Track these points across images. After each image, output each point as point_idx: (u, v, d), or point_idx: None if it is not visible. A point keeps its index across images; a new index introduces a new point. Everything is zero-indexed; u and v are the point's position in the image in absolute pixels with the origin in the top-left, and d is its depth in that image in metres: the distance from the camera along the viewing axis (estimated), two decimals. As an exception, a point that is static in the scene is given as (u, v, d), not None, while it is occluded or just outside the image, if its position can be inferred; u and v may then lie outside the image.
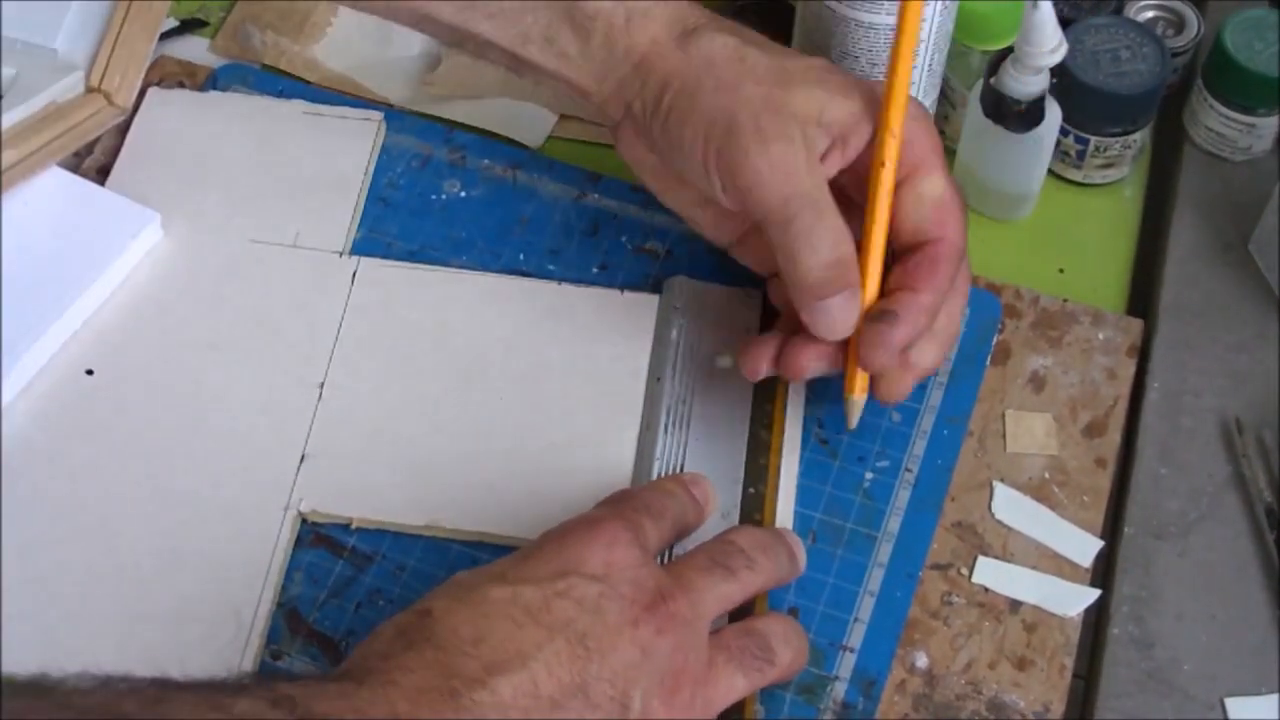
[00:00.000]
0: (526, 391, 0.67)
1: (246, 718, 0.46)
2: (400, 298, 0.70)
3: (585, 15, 0.63)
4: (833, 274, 0.59)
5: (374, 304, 0.70)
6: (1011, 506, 0.65)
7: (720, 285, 0.70)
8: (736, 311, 0.69)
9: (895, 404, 0.64)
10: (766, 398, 0.66)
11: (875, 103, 0.61)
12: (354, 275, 0.71)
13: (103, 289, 0.70)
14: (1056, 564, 0.64)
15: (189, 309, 0.70)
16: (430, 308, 0.70)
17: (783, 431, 0.65)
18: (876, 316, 0.60)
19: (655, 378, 0.67)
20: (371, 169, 0.75)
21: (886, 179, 0.61)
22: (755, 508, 0.64)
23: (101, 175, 0.75)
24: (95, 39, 0.76)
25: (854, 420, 0.63)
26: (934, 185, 0.61)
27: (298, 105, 0.77)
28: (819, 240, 0.59)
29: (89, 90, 0.76)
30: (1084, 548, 0.64)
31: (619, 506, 0.57)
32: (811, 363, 0.61)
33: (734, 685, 0.55)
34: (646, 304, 0.70)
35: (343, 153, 0.75)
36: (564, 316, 0.69)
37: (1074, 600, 0.63)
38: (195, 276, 0.71)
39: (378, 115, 0.76)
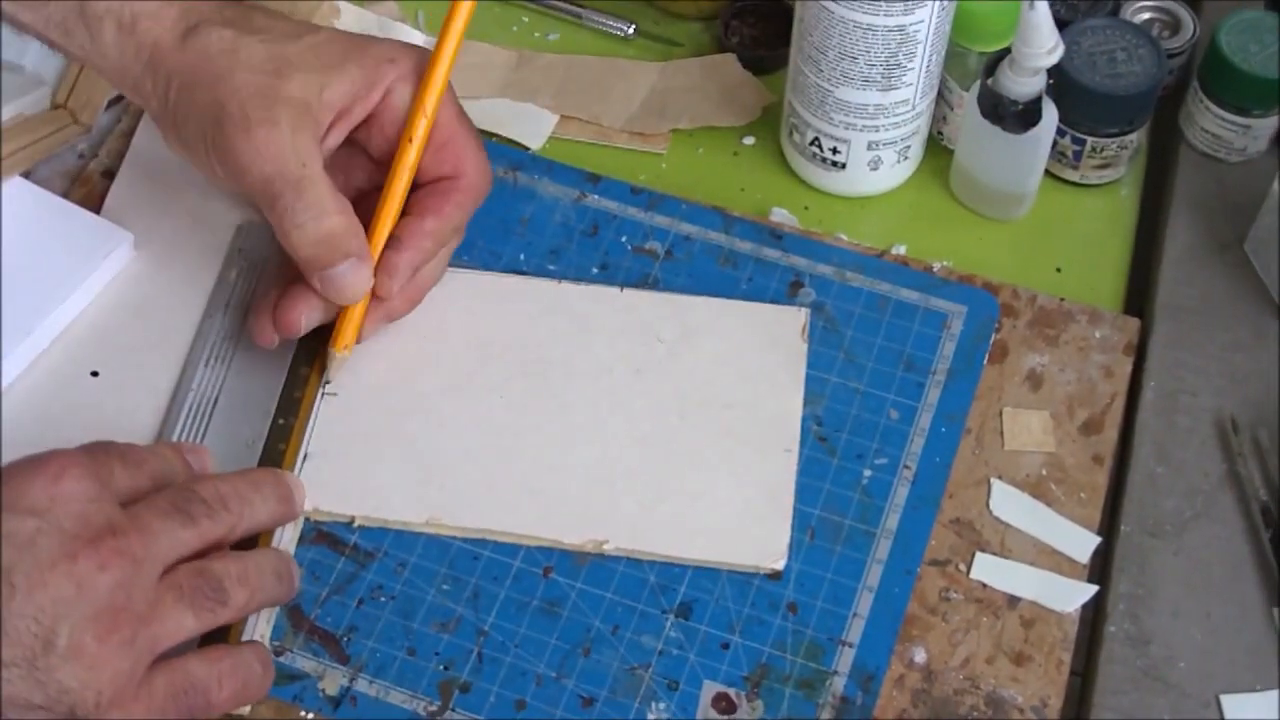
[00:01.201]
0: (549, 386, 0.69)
1: None
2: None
3: (94, 14, 0.64)
4: (322, 249, 0.63)
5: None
6: (1009, 503, 0.65)
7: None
8: None
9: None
10: (315, 334, 0.67)
11: (374, 64, 0.65)
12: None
13: (74, 306, 0.70)
14: (1054, 560, 0.64)
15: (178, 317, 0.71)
16: (428, 309, 0.70)
17: (322, 367, 0.68)
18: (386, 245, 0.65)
19: (207, 316, 0.70)
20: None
21: (412, 154, 0.66)
22: (281, 438, 0.66)
23: (107, 178, 0.75)
24: (63, 60, 0.76)
25: (334, 373, 0.66)
26: (443, 129, 0.66)
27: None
28: (302, 218, 0.62)
29: (54, 107, 0.76)
30: (1081, 544, 0.64)
31: (89, 447, 0.56)
32: (304, 315, 0.65)
33: (183, 624, 0.54)
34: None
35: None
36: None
37: (1071, 596, 0.63)
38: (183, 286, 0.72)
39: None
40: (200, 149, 0.63)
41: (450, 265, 0.71)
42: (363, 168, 0.68)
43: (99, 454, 0.55)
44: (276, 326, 0.65)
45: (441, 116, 0.66)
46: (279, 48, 0.63)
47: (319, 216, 0.62)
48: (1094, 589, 0.63)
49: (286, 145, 0.62)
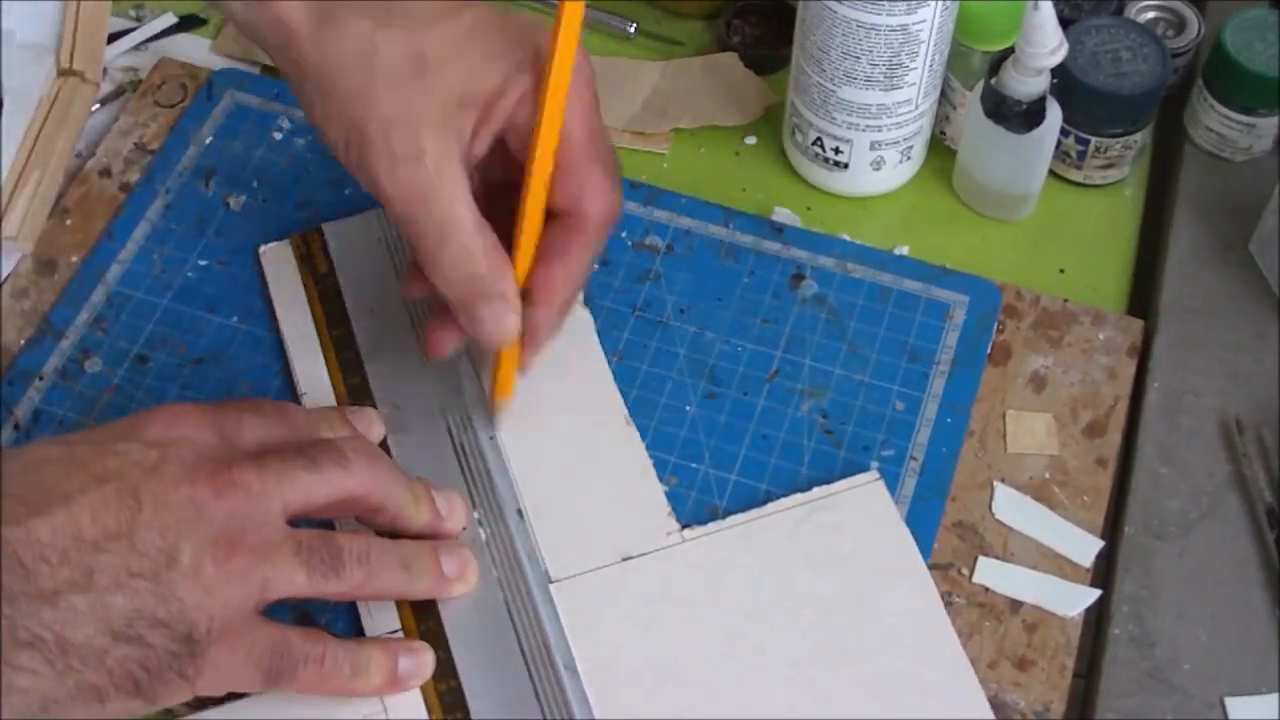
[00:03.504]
0: None
1: None
2: None
3: None
4: (465, 291, 0.58)
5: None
6: (1012, 506, 0.65)
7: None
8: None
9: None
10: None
11: (529, 48, 0.58)
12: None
13: None
14: (1057, 564, 0.64)
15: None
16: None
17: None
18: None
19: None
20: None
21: (532, 194, 0.59)
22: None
23: (105, 177, 0.75)
24: (55, 21, 0.76)
25: (501, 421, 0.64)
26: (568, 153, 0.59)
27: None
28: (443, 263, 0.58)
29: (60, 73, 0.75)
30: (1084, 548, 0.64)
31: (218, 402, 0.57)
32: (452, 343, 0.62)
33: (295, 578, 0.54)
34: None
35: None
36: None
37: (1074, 600, 0.63)
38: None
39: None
40: (343, 157, 0.58)
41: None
42: (501, 160, 0.61)
43: (225, 407, 0.56)
44: (425, 349, 0.63)
45: (569, 137, 0.58)
46: (416, 43, 0.57)
47: (463, 262, 0.58)
48: (1096, 593, 0.63)
49: (431, 184, 0.56)
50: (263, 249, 0.72)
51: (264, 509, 0.53)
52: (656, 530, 0.63)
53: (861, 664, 0.60)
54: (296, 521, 0.55)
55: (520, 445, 0.65)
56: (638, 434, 0.66)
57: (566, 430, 0.66)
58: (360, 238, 0.72)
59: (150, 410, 0.55)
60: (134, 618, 0.50)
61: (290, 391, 0.68)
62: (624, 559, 0.62)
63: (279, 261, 0.71)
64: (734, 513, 0.64)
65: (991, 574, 0.63)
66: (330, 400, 0.67)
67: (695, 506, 0.65)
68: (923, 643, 0.60)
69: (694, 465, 0.66)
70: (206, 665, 0.52)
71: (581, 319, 0.69)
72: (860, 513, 0.64)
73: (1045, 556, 0.64)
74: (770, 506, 0.64)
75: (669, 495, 0.65)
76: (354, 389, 0.67)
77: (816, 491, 0.64)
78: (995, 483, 0.65)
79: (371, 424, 0.62)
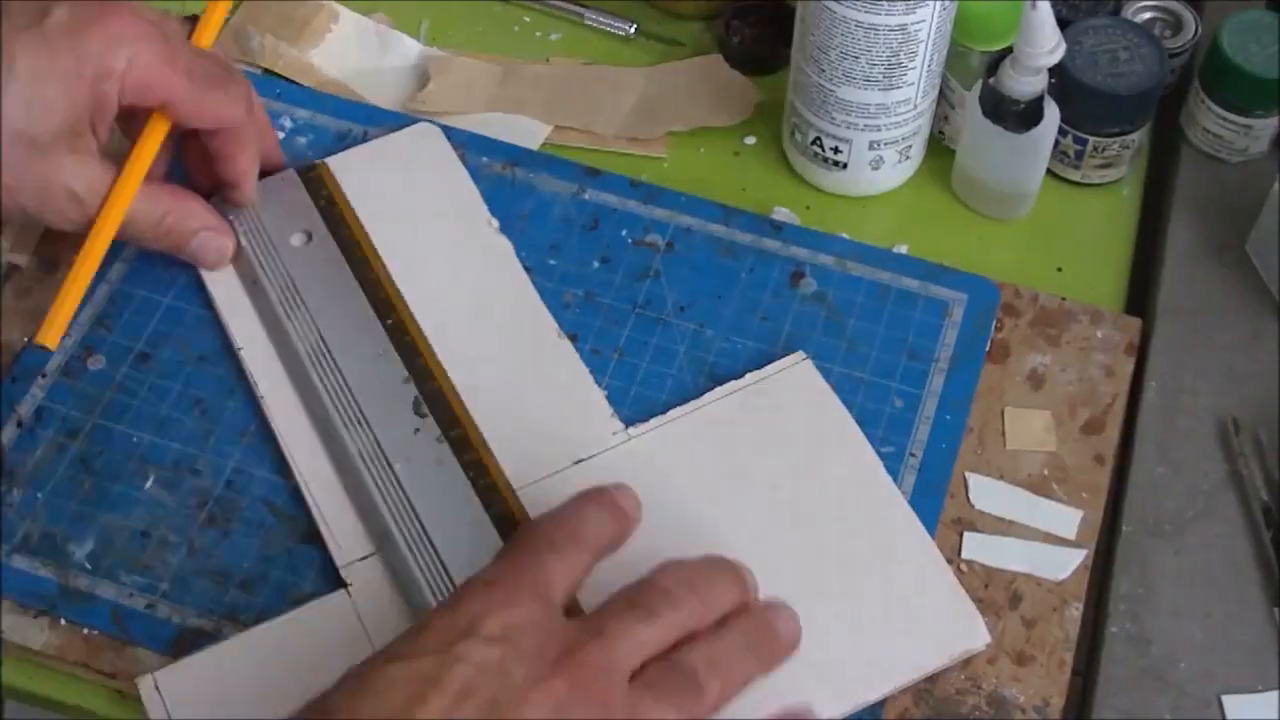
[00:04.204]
0: None
1: None
2: None
3: None
4: (172, 244, 0.70)
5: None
6: (987, 494, 0.65)
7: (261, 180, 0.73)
8: (285, 191, 0.73)
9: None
10: (357, 263, 0.71)
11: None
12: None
13: None
14: (1047, 540, 0.65)
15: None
16: None
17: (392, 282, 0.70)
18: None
19: (250, 280, 0.71)
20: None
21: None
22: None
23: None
24: None
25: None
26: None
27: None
28: (146, 241, 0.69)
29: None
30: (1068, 521, 0.65)
31: (518, 554, 0.54)
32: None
33: None
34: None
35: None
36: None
37: (1063, 563, 0.63)
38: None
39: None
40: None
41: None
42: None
43: (529, 561, 0.54)
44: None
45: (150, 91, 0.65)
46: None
47: (151, 230, 0.68)
48: (1083, 553, 0.63)
49: (92, 219, 0.66)
50: None
51: (615, 683, 0.52)
52: (603, 431, 0.66)
53: (815, 532, 0.63)
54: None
55: (464, 371, 0.67)
56: (570, 345, 0.69)
57: (504, 354, 0.68)
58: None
59: (482, 593, 0.52)
60: None
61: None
62: (576, 461, 0.65)
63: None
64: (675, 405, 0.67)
65: (979, 548, 0.64)
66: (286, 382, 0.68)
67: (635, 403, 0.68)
68: (870, 505, 0.64)
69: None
70: None
71: (502, 249, 0.72)
72: (794, 392, 0.67)
73: (1035, 537, 0.65)
74: (707, 396, 0.67)
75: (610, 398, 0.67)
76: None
77: (750, 377, 0.67)
78: (967, 474, 0.66)
79: (631, 503, 0.58)
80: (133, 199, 0.66)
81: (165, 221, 0.68)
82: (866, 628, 0.61)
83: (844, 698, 0.59)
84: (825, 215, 0.76)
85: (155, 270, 0.72)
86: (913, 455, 0.66)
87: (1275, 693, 0.61)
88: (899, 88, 0.71)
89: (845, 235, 0.74)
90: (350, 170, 0.74)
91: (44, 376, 0.69)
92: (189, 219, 0.69)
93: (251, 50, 0.81)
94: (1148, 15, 0.79)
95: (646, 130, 0.79)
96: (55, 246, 0.73)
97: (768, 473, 0.65)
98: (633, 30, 0.83)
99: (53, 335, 0.66)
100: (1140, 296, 0.74)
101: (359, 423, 0.66)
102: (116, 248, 0.73)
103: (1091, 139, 0.74)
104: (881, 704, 0.60)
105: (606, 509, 0.57)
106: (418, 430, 0.66)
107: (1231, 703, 0.61)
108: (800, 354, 0.68)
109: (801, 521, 0.63)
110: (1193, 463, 0.67)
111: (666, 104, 0.80)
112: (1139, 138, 0.75)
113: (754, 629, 0.56)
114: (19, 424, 0.67)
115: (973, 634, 0.61)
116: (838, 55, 0.70)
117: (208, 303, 0.71)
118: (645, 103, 0.80)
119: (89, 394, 0.68)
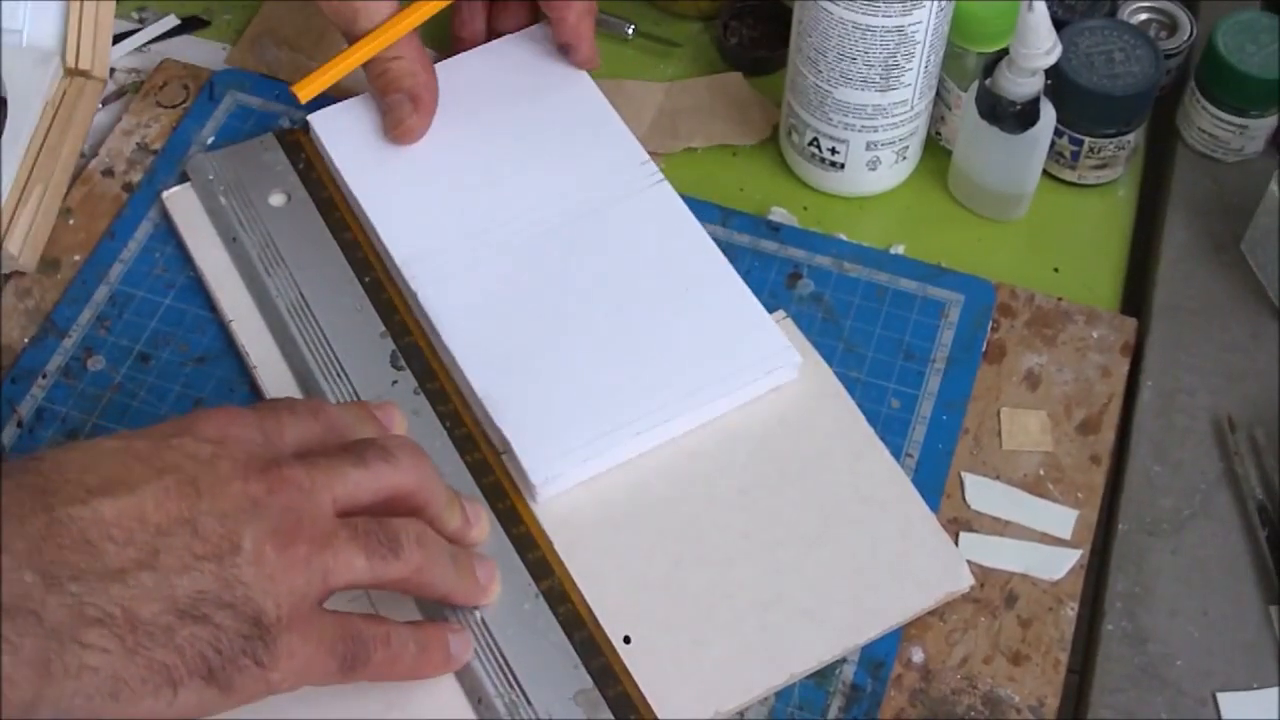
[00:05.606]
0: None
1: None
2: None
3: None
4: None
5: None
6: (985, 494, 0.66)
7: (236, 143, 0.75)
8: (264, 153, 0.75)
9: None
10: (335, 224, 0.72)
11: None
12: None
13: None
14: (1044, 541, 0.65)
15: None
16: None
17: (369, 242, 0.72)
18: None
19: (230, 238, 0.72)
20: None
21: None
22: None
23: (108, 177, 0.76)
24: (59, 22, 0.77)
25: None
26: None
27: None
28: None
29: (67, 73, 0.76)
30: (1063, 520, 0.65)
31: (258, 404, 0.58)
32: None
33: (354, 563, 0.54)
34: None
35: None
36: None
37: (1058, 563, 0.64)
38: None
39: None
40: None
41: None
42: None
43: (265, 410, 0.56)
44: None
45: None
46: None
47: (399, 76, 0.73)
48: (1078, 553, 0.64)
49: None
50: (166, 194, 0.75)
51: (315, 504, 0.53)
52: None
53: (802, 483, 0.65)
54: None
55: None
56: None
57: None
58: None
59: (201, 411, 0.55)
60: (200, 599, 0.50)
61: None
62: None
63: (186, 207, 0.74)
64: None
65: (974, 549, 0.64)
66: (275, 352, 0.69)
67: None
68: (853, 455, 0.65)
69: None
70: (280, 653, 0.52)
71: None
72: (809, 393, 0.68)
73: (1031, 537, 0.65)
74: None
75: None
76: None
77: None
78: (963, 474, 0.66)
79: (395, 418, 0.62)
80: (396, 40, 0.71)
81: (393, 66, 0.72)
82: (854, 574, 0.62)
83: (834, 641, 0.61)
84: (822, 216, 0.76)
85: (155, 271, 0.73)
86: (909, 455, 0.66)
87: (1272, 690, 0.61)
88: (896, 89, 0.71)
89: (842, 236, 0.74)
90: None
91: (44, 377, 0.69)
92: (407, 78, 0.73)
93: (268, 62, 0.81)
94: (1143, 16, 0.79)
95: (666, 145, 0.78)
96: (56, 248, 0.73)
97: (755, 430, 0.66)
98: (631, 31, 0.83)
99: (308, 89, 0.71)
100: (1136, 296, 0.74)
101: (339, 375, 0.67)
102: (117, 248, 0.73)
103: (1087, 140, 0.74)
104: (878, 703, 0.60)
105: (366, 415, 0.60)
106: (395, 383, 0.67)
107: (1227, 701, 0.61)
108: (781, 313, 0.70)
109: (789, 474, 0.65)
110: (1189, 462, 0.67)
111: (685, 120, 0.79)
112: (1135, 138, 0.75)
113: (459, 551, 0.59)
114: (19, 424, 0.68)
115: (957, 577, 0.63)
116: (835, 56, 0.70)
117: (208, 303, 0.71)
118: (664, 118, 0.79)
119: (89, 394, 0.69)
